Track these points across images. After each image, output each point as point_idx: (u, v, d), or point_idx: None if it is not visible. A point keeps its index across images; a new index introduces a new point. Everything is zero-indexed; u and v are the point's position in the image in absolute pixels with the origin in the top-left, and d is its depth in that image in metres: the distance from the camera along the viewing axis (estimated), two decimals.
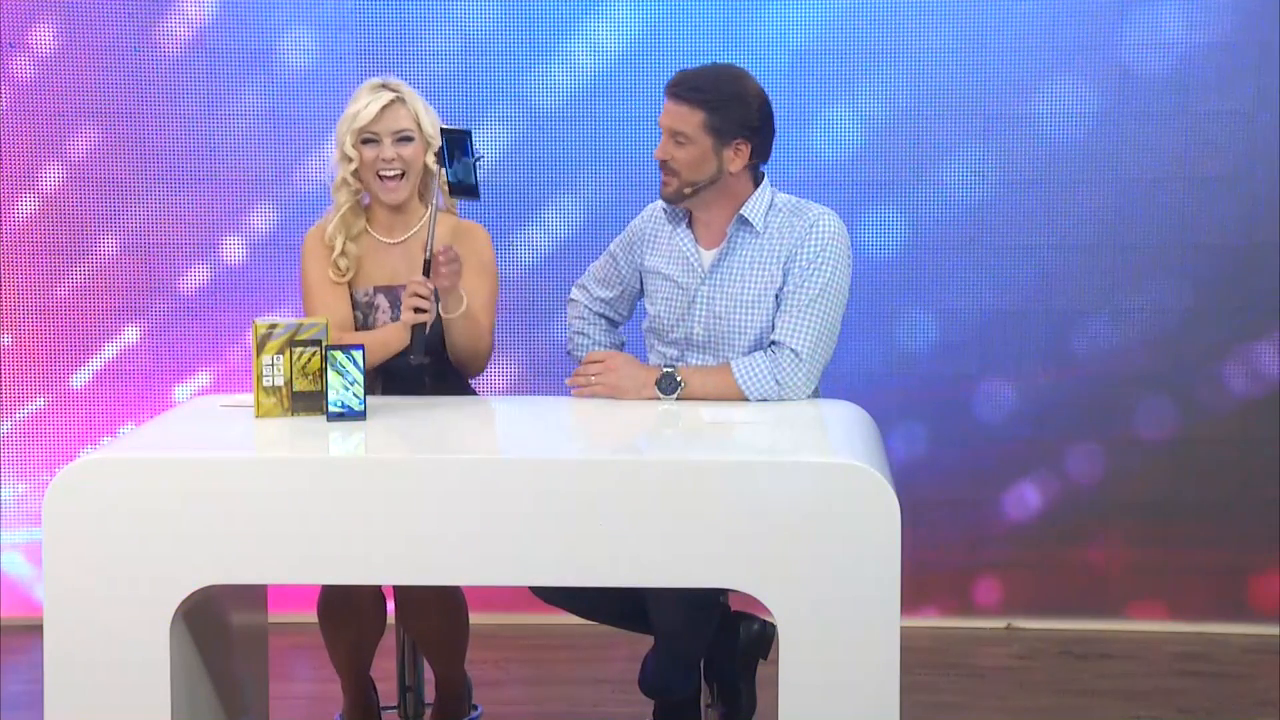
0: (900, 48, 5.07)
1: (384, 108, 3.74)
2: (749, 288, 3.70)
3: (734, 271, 3.72)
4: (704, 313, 3.73)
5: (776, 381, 3.61)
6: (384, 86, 3.79)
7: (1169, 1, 5.02)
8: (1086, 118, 5.06)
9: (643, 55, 5.04)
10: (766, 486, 2.88)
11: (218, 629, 3.31)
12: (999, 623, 5.20)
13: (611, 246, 3.92)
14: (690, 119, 3.63)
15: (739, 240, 3.72)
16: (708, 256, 3.75)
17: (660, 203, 3.80)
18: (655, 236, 3.84)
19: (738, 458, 3.06)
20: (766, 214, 3.71)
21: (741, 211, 3.70)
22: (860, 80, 5.09)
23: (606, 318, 3.97)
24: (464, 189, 3.59)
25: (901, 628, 2.88)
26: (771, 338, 3.66)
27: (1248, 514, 5.11)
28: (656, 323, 3.82)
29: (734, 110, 3.65)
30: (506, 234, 5.12)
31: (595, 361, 3.71)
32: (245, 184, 5.15)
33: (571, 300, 3.98)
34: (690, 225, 3.78)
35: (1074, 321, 5.13)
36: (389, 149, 3.75)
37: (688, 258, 3.76)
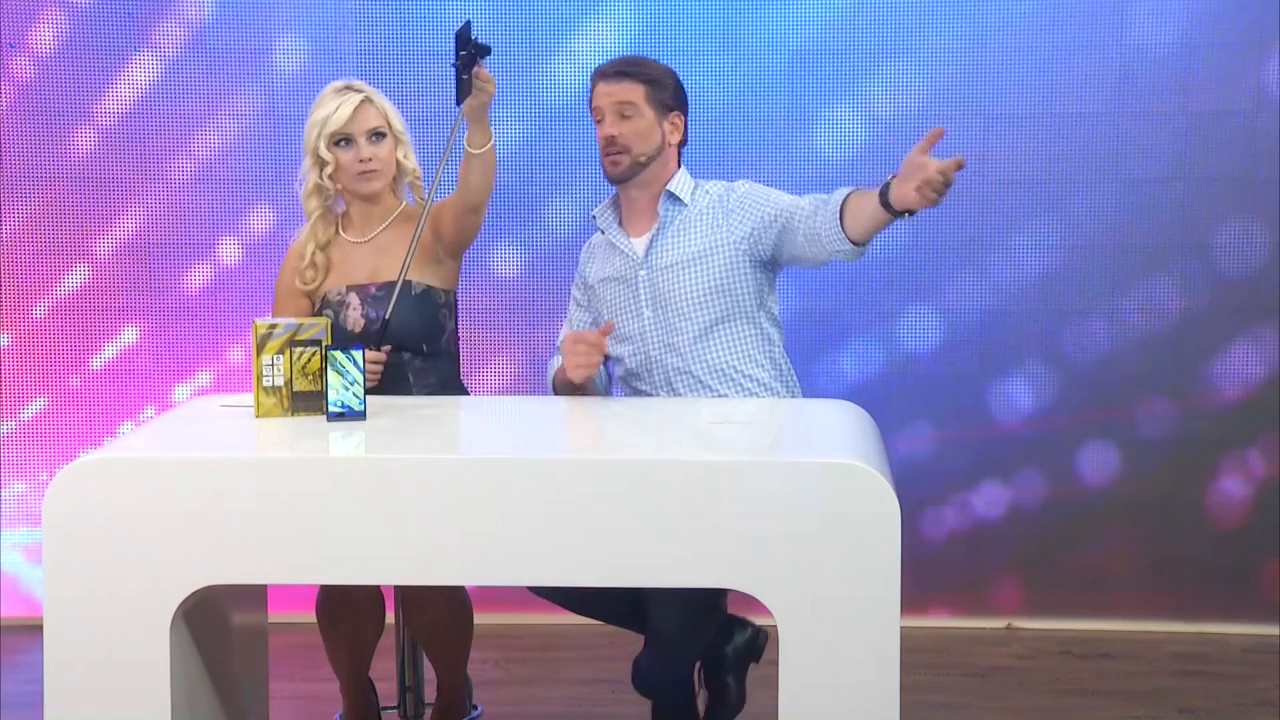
0: (900, 48, 5.07)
1: (355, 108, 3.78)
2: (687, 257, 3.76)
3: (669, 242, 3.79)
4: (649, 293, 3.78)
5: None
6: (349, 88, 3.83)
7: (1169, 1, 5.02)
8: (1086, 118, 5.06)
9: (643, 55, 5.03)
10: (766, 486, 2.88)
11: (218, 629, 3.30)
12: (999, 623, 5.20)
13: (572, 298, 3.99)
14: (634, 92, 3.77)
15: (670, 215, 3.80)
16: (640, 243, 3.83)
17: (595, 235, 3.92)
18: (592, 258, 3.93)
19: (738, 458, 3.06)
20: (694, 192, 3.82)
21: (669, 188, 3.80)
22: (860, 80, 5.09)
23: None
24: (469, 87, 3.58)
25: (901, 628, 2.88)
26: (805, 211, 3.65)
27: (1248, 514, 5.11)
28: (611, 320, 3.84)
29: (665, 84, 3.82)
30: (506, 233, 5.12)
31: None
32: (245, 184, 5.16)
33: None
34: (621, 225, 3.86)
35: (1074, 321, 5.13)
36: (365, 148, 3.80)
37: (623, 251, 3.84)
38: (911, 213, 3.38)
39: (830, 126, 5.10)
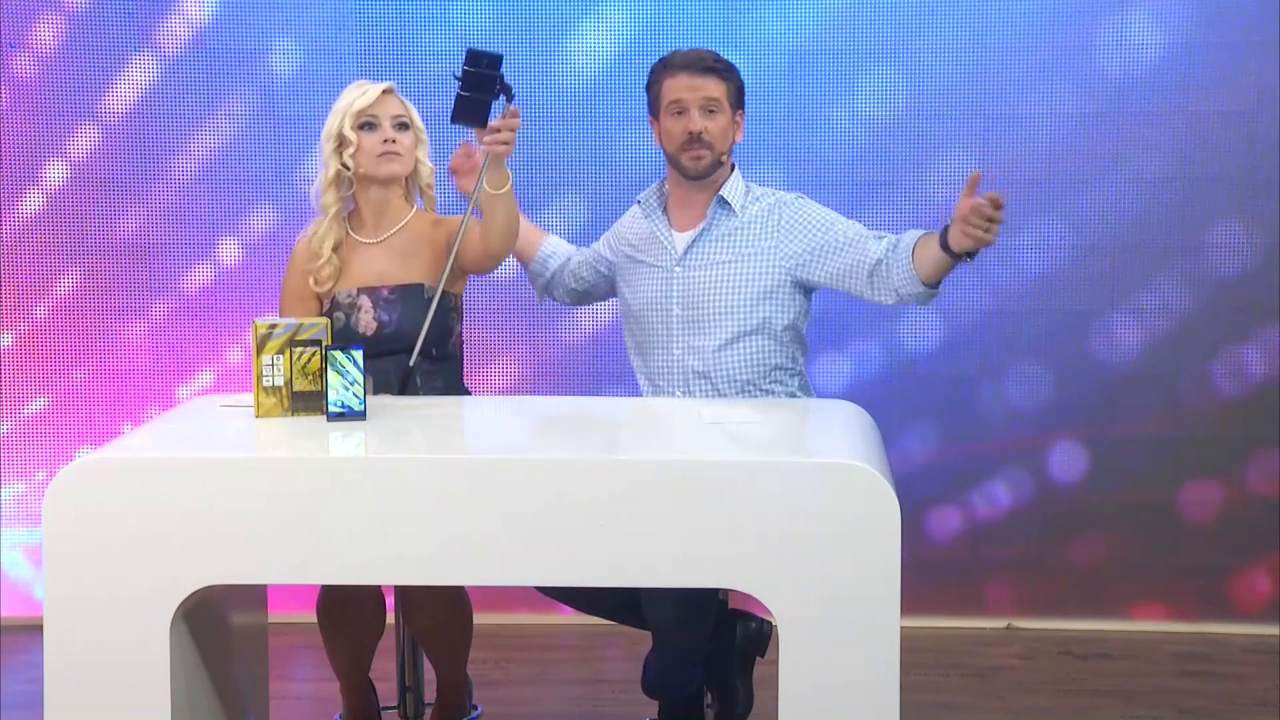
0: (899, 48, 5.07)
1: (382, 94, 3.82)
2: (726, 265, 3.77)
3: (710, 250, 3.80)
4: (680, 291, 3.78)
5: None
6: (371, 84, 3.84)
7: (1169, 1, 5.02)
8: (1087, 118, 5.06)
9: (641, 55, 5.00)
10: (766, 486, 2.88)
11: (218, 629, 3.31)
12: (999, 623, 5.20)
13: (600, 241, 4.05)
14: (720, 89, 3.76)
15: (717, 220, 3.81)
16: (681, 239, 3.83)
17: (635, 207, 3.92)
18: (633, 230, 3.93)
19: (738, 458, 3.06)
20: (744, 198, 3.81)
21: (721, 192, 3.80)
22: (860, 80, 5.09)
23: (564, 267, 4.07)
24: (472, 112, 3.55)
25: (901, 628, 2.88)
26: (875, 254, 3.68)
27: (1248, 514, 5.11)
28: (635, 306, 3.87)
29: (739, 83, 3.82)
30: None
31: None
32: (245, 184, 5.15)
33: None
34: (665, 212, 3.87)
35: (1073, 322, 5.13)
36: (389, 132, 3.80)
37: (662, 242, 3.84)
38: (971, 254, 3.49)
39: (829, 127, 5.09)
